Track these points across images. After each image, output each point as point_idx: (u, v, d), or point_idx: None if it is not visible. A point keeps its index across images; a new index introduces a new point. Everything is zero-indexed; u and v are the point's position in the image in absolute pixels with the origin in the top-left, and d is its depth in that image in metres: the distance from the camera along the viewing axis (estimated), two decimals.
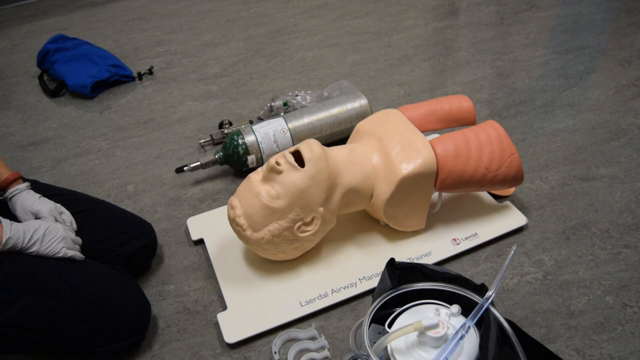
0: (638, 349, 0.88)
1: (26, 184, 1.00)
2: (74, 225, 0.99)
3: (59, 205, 0.99)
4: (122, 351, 0.93)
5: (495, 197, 1.19)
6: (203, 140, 1.45)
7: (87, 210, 1.04)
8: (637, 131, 1.37)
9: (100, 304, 0.89)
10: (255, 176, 1.00)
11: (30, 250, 0.89)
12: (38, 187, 1.04)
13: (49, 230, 0.91)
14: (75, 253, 0.93)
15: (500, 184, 1.07)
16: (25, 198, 0.97)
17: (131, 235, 1.05)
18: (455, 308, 0.75)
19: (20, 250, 0.88)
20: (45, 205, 0.97)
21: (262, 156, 1.30)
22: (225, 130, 1.45)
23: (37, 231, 0.89)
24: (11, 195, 0.98)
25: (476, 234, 1.09)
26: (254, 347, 0.94)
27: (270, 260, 1.06)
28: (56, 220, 0.95)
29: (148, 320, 0.96)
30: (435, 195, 1.12)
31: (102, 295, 0.90)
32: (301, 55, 1.88)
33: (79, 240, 0.96)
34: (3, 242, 0.85)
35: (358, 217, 1.16)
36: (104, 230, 1.03)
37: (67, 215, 0.99)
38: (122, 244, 1.03)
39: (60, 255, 0.90)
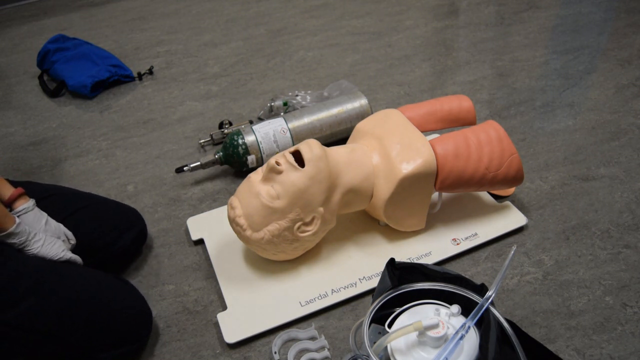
0: (638, 349, 0.88)
1: (32, 201, 0.97)
2: (73, 248, 0.99)
3: (64, 228, 0.98)
4: (123, 357, 0.92)
5: (495, 197, 1.19)
6: (203, 140, 1.45)
7: (80, 210, 1.05)
8: (637, 131, 1.37)
9: (104, 309, 0.89)
10: (255, 176, 1.00)
11: (32, 247, 0.89)
12: (29, 189, 1.02)
13: (49, 235, 0.94)
14: (73, 256, 0.94)
15: (500, 184, 1.07)
16: (32, 220, 0.95)
17: (125, 226, 1.08)
18: (455, 308, 0.75)
19: (23, 245, 0.89)
20: (51, 232, 0.96)
21: (262, 156, 1.30)
22: (225, 130, 1.45)
23: (39, 233, 0.92)
24: (17, 214, 0.95)
25: (476, 234, 1.09)
26: (254, 347, 0.94)
27: (270, 260, 1.06)
28: None
29: (150, 327, 0.96)
30: (435, 195, 1.12)
31: (105, 301, 0.90)
32: (301, 55, 1.88)
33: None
34: (15, 224, 0.87)
35: (358, 217, 1.16)
36: (100, 227, 1.05)
37: (70, 240, 0.99)
38: (119, 237, 1.06)
39: (59, 256, 0.91)
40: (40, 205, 0.99)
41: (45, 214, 0.98)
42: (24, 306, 0.84)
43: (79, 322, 0.87)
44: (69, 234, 0.99)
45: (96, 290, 0.91)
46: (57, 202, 1.04)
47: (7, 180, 0.99)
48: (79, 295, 0.88)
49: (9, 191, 0.96)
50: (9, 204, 0.96)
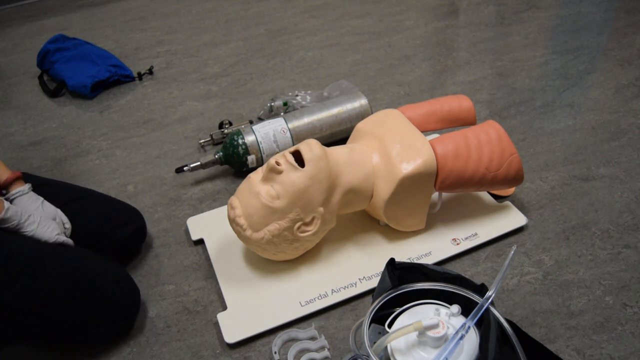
0: (638, 349, 0.88)
1: (28, 185, 1.00)
2: (68, 233, 1.00)
3: (60, 212, 1.00)
4: (114, 334, 0.96)
5: (495, 197, 1.19)
6: (203, 140, 1.45)
7: (78, 200, 1.06)
8: (637, 131, 1.37)
9: (92, 288, 0.91)
10: (255, 176, 1.00)
11: (26, 230, 0.91)
12: (26, 178, 1.04)
13: (43, 217, 0.95)
14: (66, 239, 0.96)
15: (500, 184, 1.07)
16: (27, 203, 0.97)
17: (122, 220, 1.08)
18: (455, 308, 0.75)
19: (17, 228, 0.90)
20: (46, 214, 0.97)
21: (262, 156, 1.30)
22: (225, 130, 1.45)
23: (33, 216, 0.93)
24: (13, 197, 0.98)
25: (476, 234, 1.09)
26: (254, 347, 0.94)
27: (270, 260, 1.06)
28: None
29: (138, 304, 0.98)
30: (435, 195, 1.12)
31: (93, 279, 0.92)
32: (301, 55, 1.88)
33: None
34: (4, 208, 0.88)
35: (358, 217, 1.16)
36: (97, 217, 1.06)
37: (65, 223, 1.00)
38: (115, 229, 1.06)
39: (53, 240, 0.93)
40: (36, 192, 1.01)
41: (41, 198, 0.99)
42: (18, 287, 0.85)
43: (70, 300, 0.88)
44: (64, 218, 1.00)
45: (86, 269, 0.93)
46: (53, 191, 1.05)
47: None
48: (70, 275, 0.90)
49: (5, 174, 0.97)
50: (5, 187, 0.97)
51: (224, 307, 1.00)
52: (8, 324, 0.87)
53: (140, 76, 1.81)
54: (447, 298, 0.78)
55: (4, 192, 1.00)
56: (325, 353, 0.91)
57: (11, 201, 0.98)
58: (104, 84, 1.75)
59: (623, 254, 1.05)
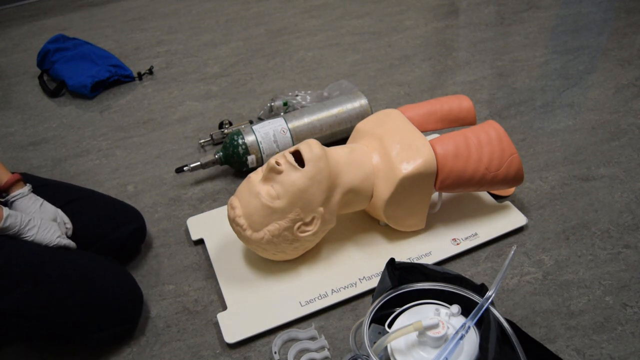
0: (638, 349, 0.88)
1: (28, 187, 1.00)
2: (69, 233, 1.00)
3: (60, 212, 1.00)
4: (116, 337, 0.95)
5: (495, 197, 1.19)
6: (203, 140, 1.45)
7: (77, 200, 1.06)
8: (637, 131, 1.37)
9: (94, 291, 0.91)
10: (255, 176, 1.00)
11: (27, 235, 0.91)
12: (26, 179, 1.04)
13: (44, 220, 0.94)
14: (68, 242, 0.96)
15: (500, 184, 1.07)
16: (26, 205, 0.97)
17: (122, 220, 1.08)
18: (455, 308, 0.75)
19: (17, 234, 0.90)
20: (47, 215, 0.97)
21: (262, 156, 1.30)
22: (225, 130, 1.45)
23: (33, 219, 0.93)
24: (13, 199, 0.98)
25: (476, 234, 1.09)
26: (254, 347, 0.94)
27: (270, 260, 1.06)
28: None
29: (140, 306, 0.98)
30: (435, 195, 1.12)
31: (95, 282, 0.92)
32: (301, 55, 1.88)
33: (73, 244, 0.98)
34: (4, 217, 0.88)
35: (358, 217, 1.16)
36: (96, 217, 1.06)
37: (66, 224, 1.00)
38: (115, 229, 1.06)
39: (54, 243, 0.93)
40: (36, 193, 1.01)
41: (41, 199, 0.99)
42: (20, 292, 0.85)
43: (72, 305, 0.88)
44: (65, 218, 1.00)
45: (88, 272, 0.92)
46: (53, 191, 1.05)
47: None
48: (72, 279, 0.90)
49: (5, 177, 0.97)
50: (5, 189, 0.97)
51: (224, 307, 1.00)
52: (9, 327, 0.87)
53: (140, 76, 1.81)
54: (447, 298, 0.78)
55: (4, 194, 0.99)
56: (325, 353, 0.91)
57: (11, 204, 0.98)
58: (104, 84, 1.75)
59: (623, 254, 1.05)
